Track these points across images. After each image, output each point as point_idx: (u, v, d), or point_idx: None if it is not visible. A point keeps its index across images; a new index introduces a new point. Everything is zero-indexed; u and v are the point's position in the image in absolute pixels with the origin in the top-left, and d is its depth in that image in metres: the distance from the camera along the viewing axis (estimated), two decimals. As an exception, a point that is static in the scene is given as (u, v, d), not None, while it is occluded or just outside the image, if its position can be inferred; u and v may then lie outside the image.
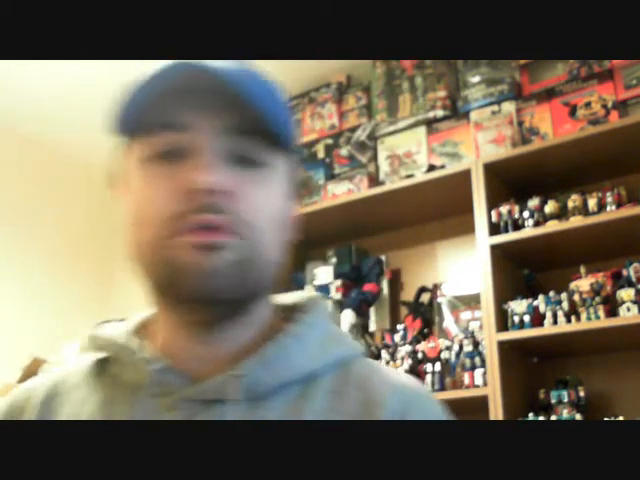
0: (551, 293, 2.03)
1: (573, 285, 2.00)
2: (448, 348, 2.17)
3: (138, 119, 0.59)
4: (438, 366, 2.15)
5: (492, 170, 2.18)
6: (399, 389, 0.62)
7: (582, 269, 2.03)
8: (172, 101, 0.58)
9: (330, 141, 2.72)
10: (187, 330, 0.62)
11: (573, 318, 1.95)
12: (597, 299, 1.93)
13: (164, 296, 0.61)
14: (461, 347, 2.14)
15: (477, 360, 2.08)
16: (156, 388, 0.60)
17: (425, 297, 2.45)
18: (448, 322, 2.34)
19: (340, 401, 0.60)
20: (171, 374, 0.60)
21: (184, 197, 0.56)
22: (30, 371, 2.78)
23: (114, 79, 2.84)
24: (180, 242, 0.57)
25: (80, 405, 0.63)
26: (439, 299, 2.40)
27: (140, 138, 0.60)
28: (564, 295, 2.00)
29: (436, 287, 2.44)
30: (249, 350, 0.61)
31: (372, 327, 2.48)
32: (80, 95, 3.05)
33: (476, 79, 2.45)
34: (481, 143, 2.32)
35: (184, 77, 0.57)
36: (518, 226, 2.09)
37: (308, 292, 0.70)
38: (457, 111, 2.47)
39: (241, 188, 0.57)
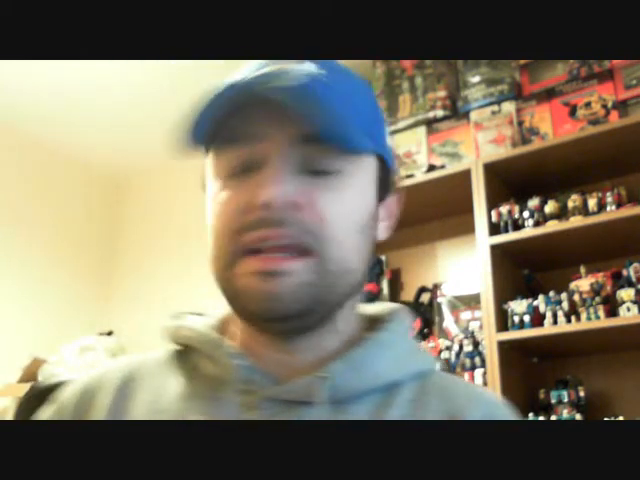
0: (551, 293, 2.03)
1: (573, 285, 2.00)
2: (448, 348, 2.18)
3: (211, 133, 0.58)
4: (438, 366, 2.16)
5: (492, 170, 2.18)
6: (478, 399, 0.63)
7: (582, 269, 2.03)
8: (244, 113, 0.57)
9: (330, 141, 2.72)
10: (266, 338, 0.61)
11: (573, 318, 1.96)
12: (597, 299, 1.94)
13: (235, 312, 0.61)
14: (461, 347, 2.14)
15: (477, 360, 2.08)
16: (240, 385, 0.59)
17: (425, 297, 2.45)
18: (448, 322, 2.34)
19: (421, 409, 0.60)
20: (256, 372, 0.60)
21: (243, 213, 0.56)
22: (30, 371, 2.79)
23: (114, 80, 2.85)
24: (245, 266, 0.56)
25: (157, 393, 0.62)
26: (439, 299, 2.40)
27: (215, 151, 0.60)
28: (564, 295, 2.00)
29: (436, 287, 2.44)
30: (334, 356, 0.61)
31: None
32: (80, 95, 3.05)
33: (476, 79, 2.46)
34: (481, 143, 2.32)
35: (255, 87, 0.55)
36: (518, 226, 2.10)
37: (391, 303, 0.71)
38: (457, 111, 2.47)
39: (309, 198, 0.56)
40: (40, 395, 1.00)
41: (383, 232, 0.65)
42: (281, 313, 0.56)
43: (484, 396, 0.64)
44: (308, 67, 0.58)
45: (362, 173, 0.60)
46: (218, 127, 0.57)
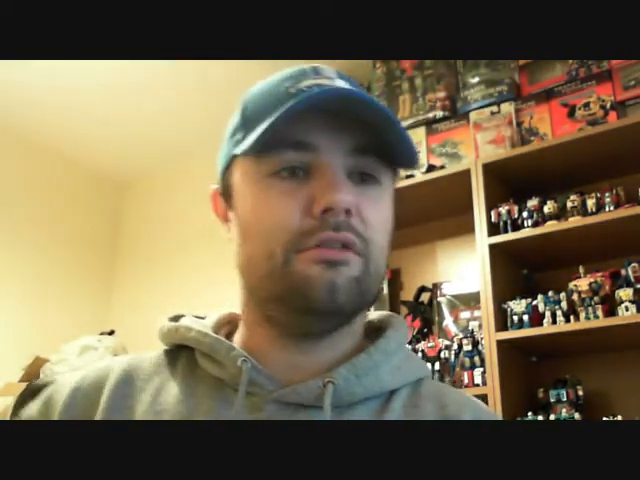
0: (550, 293, 2.03)
1: (572, 285, 2.00)
2: (447, 347, 2.17)
3: (266, 138, 0.58)
4: (437, 365, 2.15)
5: (491, 170, 2.18)
6: (469, 403, 0.66)
7: (581, 269, 2.03)
8: (299, 121, 0.58)
9: (330, 141, 2.72)
10: (286, 341, 0.62)
11: (572, 318, 1.96)
12: (596, 299, 1.94)
13: (282, 307, 0.60)
14: (460, 346, 2.14)
15: (476, 359, 2.08)
16: (245, 386, 0.60)
17: (425, 297, 2.45)
18: (447, 322, 2.34)
19: (418, 414, 0.63)
20: (261, 374, 0.61)
21: (304, 215, 0.58)
22: (32, 370, 2.78)
23: (116, 81, 2.84)
24: (306, 257, 0.58)
25: (157, 394, 0.63)
26: (439, 299, 2.40)
27: (267, 156, 0.60)
28: (563, 295, 2.00)
29: (436, 287, 2.44)
30: (340, 361, 0.63)
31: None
32: (82, 97, 3.05)
33: (475, 80, 2.46)
34: (480, 143, 2.32)
35: (311, 98, 0.57)
36: (517, 226, 2.10)
37: (386, 311, 0.73)
38: (457, 112, 2.47)
39: (362, 205, 0.60)
40: (35, 394, 1.00)
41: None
42: (336, 303, 0.58)
43: (473, 402, 0.67)
44: (352, 85, 0.63)
45: (391, 184, 0.64)
46: (274, 132, 0.58)
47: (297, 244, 0.58)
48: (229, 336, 0.67)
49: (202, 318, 0.71)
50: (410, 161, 0.61)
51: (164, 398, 0.62)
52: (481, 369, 2.05)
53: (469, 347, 2.11)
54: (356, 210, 0.59)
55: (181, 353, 0.66)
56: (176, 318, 0.70)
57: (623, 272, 1.96)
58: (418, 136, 2.50)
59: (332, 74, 0.63)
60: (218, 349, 0.63)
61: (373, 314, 0.72)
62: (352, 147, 0.60)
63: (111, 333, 3.04)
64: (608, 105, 2.17)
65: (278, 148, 0.59)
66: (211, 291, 3.09)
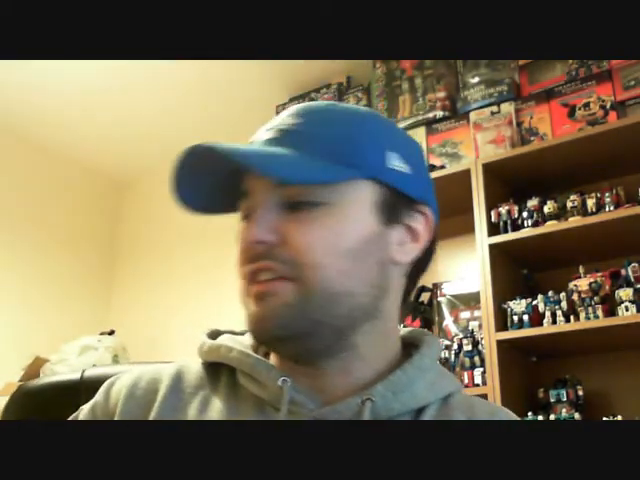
0: (550, 293, 2.03)
1: (572, 285, 2.00)
2: (447, 347, 2.17)
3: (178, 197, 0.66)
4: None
5: (491, 170, 2.18)
6: (498, 413, 0.69)
7: (581, 269, 2.03)
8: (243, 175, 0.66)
9: (330, 141, 2.72)
10: (291, 362, 0.66)
11: (572, 318, 1.96)
12: (596, 299, 1.94)
13: None
14: (460, 346, 2.14)
15: (476, 359, 2.08)
16: (287, 406, 0.62)
17: (425, 296, 2.45)
18: (447, 321, 2.34)
19: None
20: (301, 394, 0.64)
21: (241, 252, 0.64)
22: (32, 370, 2.78)
23: (116, 81, 2.84)
24: (247, 292, 0.64)
25: (203, 409, 0.66)
26: (438, 298, 2.40)
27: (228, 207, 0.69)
28: (563, 295, 2.00)
29: (436, 287, 2.44)
30: (374, 378, 0.65)
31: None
32: (81, 97, 3.05)
33: (475, 80, 2.46)
34: (480, 143, 2.32)
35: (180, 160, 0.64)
36: (517, 226, 2.09)
37: (417, 328, 0.75)
38: (457, 112, 2.47)
39: (289, 232, 0.62)
40: (30, 396, 1.00)
41: (404, 254, 0.67)
42: (271, 333, 0.62)
43: (502, 411, 0.69)
44: (287, 119, 0.66)
45: (350, 200, 0.63)
46: (217, 186, 0.66)
47: (243, 281, 0.64)
48: (267, 354, 0.69)
49: (240, 334, 0.73)
50: (269, 173, 0.62)
51: (209, 414, 0.65)
52: (481, 369, 2.05)
53: (469, 347, 2.11)
54: (281, 238, 0.62)
55: (222, 369, 0.69)
56: (214, 334, 0.73)
57: (623, 272, 1.96)
58: (418, 136, 2.49)
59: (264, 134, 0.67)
60: (259, 369, 0.65)
61: (405, 330, 0.73)
62: (276, 183, 0.63)
63: (111, 333, 3.04)
64: (608, 105, 2.17)
65: (240, 198, 0.66)
66: (211, 291, 3.09)
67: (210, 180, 0.65)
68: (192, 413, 0.65)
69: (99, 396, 0.71)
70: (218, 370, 0.69)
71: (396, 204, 0.66)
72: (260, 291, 0.62)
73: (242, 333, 0.73)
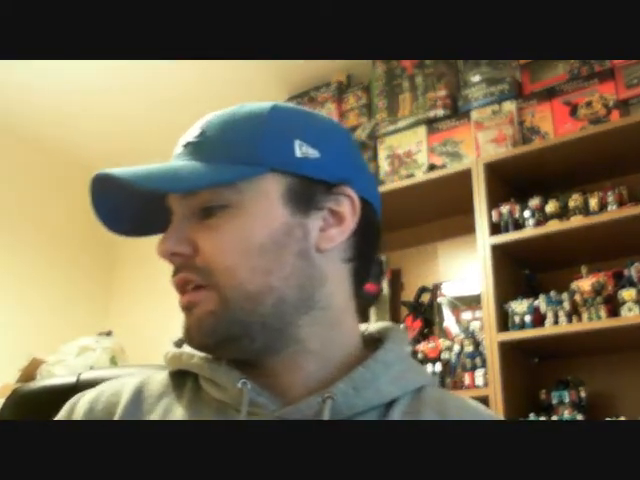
0: (552, 293, 2.03)
1: (574, 285, 2.00)
2: (448, 348, 2.17)
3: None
4: (438, 367, 2.16)
5: (493, 170, 2.18)
6: (469, 409, 0.68)
7: (583, 269, 2.03)
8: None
9: (330, 140, 2.72)
10: (247, 365, 0.66)
11: (574, 318, 1.96)
12: (598, 299, 1.93)
13: None
14: (462, 347, 2.14)
15: (478, 360, 2.08)
16: (247, 408, 0.62)
17: (425, 297, 2.45)
18: (449, 322, 2.35)
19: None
20: (261, 395, 0.64)
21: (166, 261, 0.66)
22: (29, 371, 2.79)
23: (114, 80, 2.84)
24: (179, 304, 0.66)
25: (164, 416, 0.66)
26: (439, 299, 2.41)
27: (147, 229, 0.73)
28: (565, 295, 2.00)
29: (436, 287, 2.44)
30: (335, 375, 0.65)
31: (372, 327, 2.48)
32: (79, 95, 3.05)
33: (477, 78, 2.46)
34: (482, 142, 2.32)
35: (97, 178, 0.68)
36: (519, 226, 2.09)
37: (386, 322, 0.74)
38: (457, 110, 2.48)
39: (199, 240, 0.64)
40: (25, 399, 1.00)
41: (328, 240, 0.66)
42: (201, 340, 0.64)
43: (474, 407, 0.69)
44: (194, 131, 0.69)
45: (256, 197, 0.64)
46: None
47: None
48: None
49: None
50: (169, 188, 0.65)
51: (170, 420, 0.65)
52: (482, 370, 2.05)
53: (470, 348, 2.11)
54: (193, 247, 0.64)
55: (187, 377, 0.70)
56: (180, 342, 0.73)
57: (626, 272, 1.96)
58: (419, 135, 2.50)
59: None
60: (219, 373, 0.65)
61: (373, 326, 0.73)
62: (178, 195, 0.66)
63: (109, 334, 3.05)
64: (610, 104, 2.17)
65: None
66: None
67: (139, 203, 0.68)
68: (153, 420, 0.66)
69: (63, 412, 0.71)
70: (183, 378, 0.70)
71: (309, 191, 0.66)
72: (185, 302, 0.64)
73: None
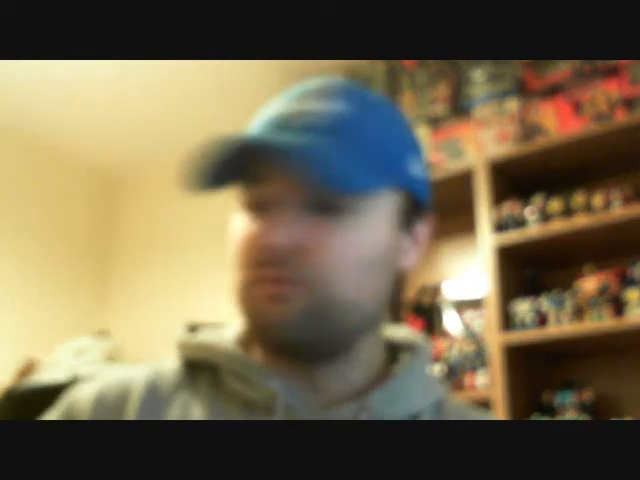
0: (555, 293, 2.03)
1: (577, 285, 2.00)
2: (450, 349, 2.18)
3: (221, 175, 0.61)
4: (440, 367, 2.16)
5: (495, 168, 2.19)
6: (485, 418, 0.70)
7: (587, 268, 2.03)
8: (258, 156, 0.60)
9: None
10: (288, 364, 0.64)
11: (578, 318, 1.96)
12: (602, 299, 1.94)
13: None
14: (463, 348, 2.14)
15: (479, 361, 2.08)
16: (281, 410, 0.61)
17: (427, 297, 2.46)
18: (450, 322, 2.35)
19: None
20: (295, 398, 0.62)
21: (253, 249, 0.60)
22: (25, 372, 2.80)
23: (113, 79, 2.85)
24: (256, 292, 0.60)
25: (185, 414, 0.63)
26: (441, 299, 2.41)
27: (239, 187, 0.64)
28: (568, 295, 2.01)
29: (438, 287, 2.45)
30: (368, 385, 0.65)
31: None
32: (77, 94, 3.07)
33: (479, 76, 2.46)
34: (484, 140, 2.33)
35: (259, 143, 0.59)
36: (522, 224, 2.10)
37: (409, 330, 0.73)
38: (460, 108, 2.48)
39: (311, 239, 0.59)
40: (20, 400, 0.98)
41: (410, 260, 0.66)
42: (283, 339, 0.60)
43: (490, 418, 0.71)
44: (326, 105, 0.61)
45: (376, 209, 0.61)
46: (230, 170, 0.61)
47: (250, 279, 0.61)
48: (254, 351, 0.67)
49: (218, 326, 0.71)
50: (333, 186, 0.57)
51: (194, 417, 0.62)
52: (484, 371, 2.06)
53: (472, 348, 2.12)
54: (301, 243, 0.59)
55: (202, 368, 0.66)
56: (193, 328, 0.71)
57: (630, 272, 1.96)
58: (420, 133, 2.51)
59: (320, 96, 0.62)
60: (249, 369, 0.63)
61: (398, 332, 0.72)
62: (307, 179, 0.59)
63: (106, 333, 3.06)
64: (615, 101, 2.17)
65: (241, 181, 0.62)
66: (210, 290, 3.11)
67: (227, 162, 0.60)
68: (175, 415, 0.62)
69: (60, 411, 0.66)
70: (198, 369, 0.66)
71: (412, 213, 0.65)
72: (273, 294, 0.59)
73: (220, 325, 0.71)
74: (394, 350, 0.70)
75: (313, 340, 0.60)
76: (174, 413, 0.62)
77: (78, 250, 3.53)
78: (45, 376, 0.97)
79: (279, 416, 0.60)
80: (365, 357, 0.65)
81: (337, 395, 0.64)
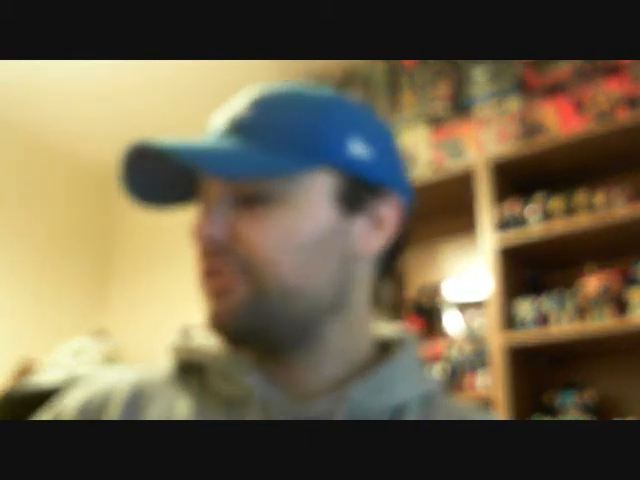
0: (557, 293, 2.04)
1: (580, 285, 2.01)
2: (450, 349, 2.18)
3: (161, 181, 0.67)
4: (441, 367, 2.17)
5: (496, 167, 2.19)
6: (480, 416, 0.69)
7: (589, 268, 2.03)
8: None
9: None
10: (257, 357, 0.66)
11: (579, 318, 1.96)
12: (605, 299, 1.94)
13: None
14: (464, 348, 2.14)
15: (480, 361, 2.09)
16: (258, 403, 0.62)
17: (427, 297, 2.47)
18: (451, 322, 2.36)
19: None
20: (273, 391, 0.63)
21: (197, 247, 0.64)
22: (22, 372, 2.81)
23: (114, 80, 2.85)
24: (205, 286, 0.64)
25: (168, 413, 0.64)
26: (442, 299, 2.42)
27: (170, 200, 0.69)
28: (570, 295, 2.01)
29: (439, 286, 2.45)
30: (349, 376, 0.65)
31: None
32: (76, 93, 3.07)
33: (480, 75, 2.47)
34: (485, 139, 2.33)
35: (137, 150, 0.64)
36: (523, 223, 2.10)
37: (399, 327, 0.74)
38: (460, 107, 2.48)
39: (241, 230, 0.62)
40: (19, 403, 0.98)
41: (369, 245, 0.66)
42: (230, 330, 0.63)
43: (485, 415, 0.70)
44: (243, 109, 0.65)
45: (307, 192, 0.63)
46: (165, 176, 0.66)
47: (200, 269, 0.65)
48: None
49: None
50: (216, 171, 0.61)
51: (176, 417, 0.64)
52: (485, 371, 2.06)
53: (473, 348, 2.12)
54: (234, 235, 0.62)
55: (193, 371, 0.68)
56: (186, 332, 0.72)
57: (633, 272, 1.96)
58: (420, 133, 2.51)
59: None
60: (228, 366, 0.64)
61: (386, 328, 0.73)
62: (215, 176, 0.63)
63: (104, 333, 3.07)
64: (617, 99, 2.17)
65: (197, 191, 0.66)
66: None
67: (163, 172, 0.65)
68: (157, 414, 0.64)
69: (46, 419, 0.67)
70: (189, 371, 0.68)
71: (358, 192, 0.65)
72: (216, 288, 0.63)
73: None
74: (384, 347, 0.70)
75: (262, 328, 0.62)
76: (155, 413, 0.64)
77: (77, 251, 3.53)
78: (43, 378, 0.97)
79: (255, 410, 0.62)
80: (338, 347, 0.66)
81: (314, 387, 0.64)
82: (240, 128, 0.63)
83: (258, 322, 0.62)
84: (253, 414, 0.62)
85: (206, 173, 0.63)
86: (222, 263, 0.62)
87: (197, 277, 0.66)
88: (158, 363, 0.73)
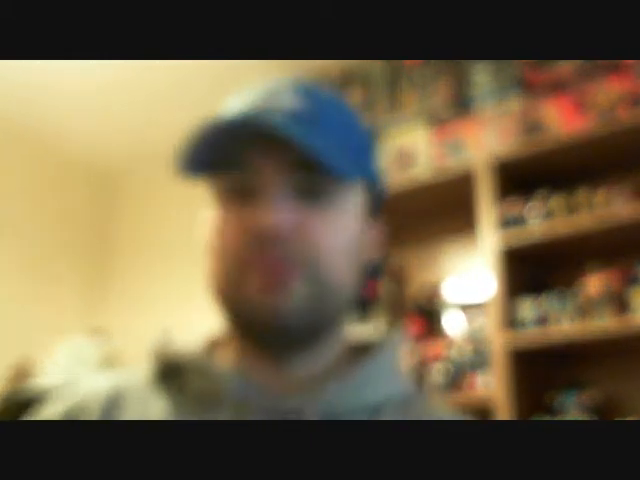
0: (558, 293, 2.04)
1: (581, 284, 2.01)
2: (451, 349, 2.19)
3: (206, 160, 0.63)
4: (441, 367, 2.17)
5: (497, 166, 2.20)
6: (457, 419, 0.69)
7: (591, 268, 2.04)
8: (240, 142, 0.61)
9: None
10: (262, 353, 0.66)
11: (581, 318, 1.97)
12: (606, 299, 1.94)
13: (237, 328, 0.66)
14: (465, 348, 2.15)
15: (481, 361, 2.09)
16: (232, 399, 0.63)
17: (428, 297, 2.47)
18: (451, 322, 2.36)
19: None
20: (249, 387, 0.63)
21: (251, 238, 0.61)
22: (19, 372, 2.81)
23: (109, 78, 2.86)
24: (249, 282, 0.61)
25: (143, 411, 0.65)
26: (442, 299, 2.42)
27: (215, 176, 0.65)
28: (571, 295, 2.01)
29: (439, 286, 2.46)
30: (326, 374, 0.66)
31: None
32: (74, 92, 3.08)
33: (481, 73, 2.47)
34: (486, 138, 2.33)
35: (246, 122, 0.61)
36: (524, 223, 2.11)
37: (376, 328, 0.76)
38: (461, 106, 2.48)
39: (306, 224, 0.61)
40: (18, 407, 0.98)
41: (373, 253, 0.70)
42: (282, 328, 0.62)
43: (463, 419, 0.70)
44: (296, 98, 0.64)
45: (349, 198, 0.65)
46: (216, 155, 0.62)
47: (240, 269, 0.61)
48: (226, 352, 0.69)
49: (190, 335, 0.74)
50: (335, 171, 0.60)
51: (151, 414, 0.64)
52: (486, 371, 2.06)
53: (473, 348, 2.12)
54: (301, 230, 0.61)
55: (171, 374, 0.68)
56: (167, 335, 0.72)
57: (635, 272, 1.97)
58: (421, 132, 2.51)
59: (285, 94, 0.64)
60: (203, 363, 0.65)
61: (367, 330, 0.75)
62: (292, 163, 0.61)
63: (103, 332, 3.07)
64: (620, 98, 2.17)
65: (220, 169, 0.63)
66: (206, 290, 3.11)
67: (217, 148, 0.62)
68: (133, 415, 0.65)
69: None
70: (167, 374, 0.68)
71: (375, 207, 0.69)
72: (271, 281, 0.60)
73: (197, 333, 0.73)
74: (364, 349, 0.71)
75: (309, 324, 0.62)
76: (129, 416, 0.64)
77: (76, 250, 3.54)
78: (41, 381, 0.97)
79: (228, 408, 0.62)
80: (330, 347, 0.67)
81: (295, 384, 0.65)
82: (304, 121, 0.61)
83: (308, 317, 0.62)
84: (226, 412, 0.62)
85: (328, 171, 0.60)
86: (282, 254, 0.60)
87: (226, 277, 0.63)
88: (141, 366, 0.73)
